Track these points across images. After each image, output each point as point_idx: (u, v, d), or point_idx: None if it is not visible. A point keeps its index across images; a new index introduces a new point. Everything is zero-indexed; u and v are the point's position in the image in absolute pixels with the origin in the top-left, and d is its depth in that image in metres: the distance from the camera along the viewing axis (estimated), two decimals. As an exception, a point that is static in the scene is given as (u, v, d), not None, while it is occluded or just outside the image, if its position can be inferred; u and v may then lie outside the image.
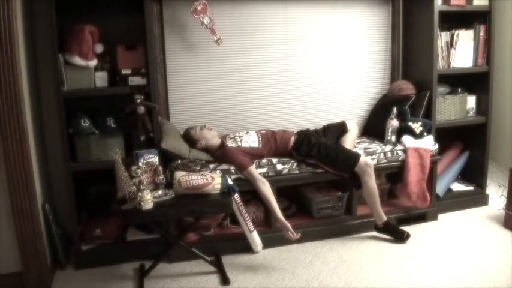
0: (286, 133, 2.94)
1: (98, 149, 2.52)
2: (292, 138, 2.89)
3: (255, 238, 2.68)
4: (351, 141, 2.96)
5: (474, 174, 3.41)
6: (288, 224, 2.58)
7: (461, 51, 3.14)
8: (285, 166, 2.78)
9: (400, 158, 2.97)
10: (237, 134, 2.90)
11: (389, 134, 3.03)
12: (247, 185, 2.66)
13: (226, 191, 2.40)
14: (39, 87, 2.68)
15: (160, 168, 2.41)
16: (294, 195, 3.05)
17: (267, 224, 2.84)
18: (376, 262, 2.61)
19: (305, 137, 2.88)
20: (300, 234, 2.59)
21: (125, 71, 2.52)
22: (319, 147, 2.79)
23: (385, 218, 2.85)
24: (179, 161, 2.57)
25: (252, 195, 2.83)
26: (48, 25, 2.34)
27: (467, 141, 3.45)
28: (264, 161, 2.77)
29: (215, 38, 2.79)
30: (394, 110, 3.02)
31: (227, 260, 2.66)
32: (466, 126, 3.30)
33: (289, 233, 2.57)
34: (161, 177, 2.40)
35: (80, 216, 2.68)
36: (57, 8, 2.32)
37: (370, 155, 2.89)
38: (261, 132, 2.92)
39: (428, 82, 3.08)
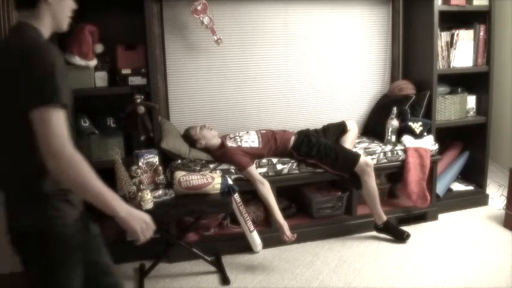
0: (286, 133, 2.94)
1: (98, 149, 2.52)
2: (292, 138, 2.89)
3: (255, 238, 2.68)
4: (351, 141, 2.96)
5: (474, 174, 3.41)
6: (286, 227, 2.57)
7: (461, 51, 3.13)
8: (285, 166, 2.78)
9: (400, 158, 2.97)
10: (237, 134, 2.90)
11: (389, 134, 3.03)
12: (247, 185, 2.66)
13: (226, 191, 2.40)
14: (39, 87, 2.68)
15: (160, 168, 2.41)
16: (294, 195, 3.05)
17: (267, 224, 2.84)
18: (376, 262, 2.61)
19: (305, 136, 2.88)
20: (295, 235, 2.58)
21: (125, 71, 2.52)
22: (319, 147, 2.79)
23: (385, 218, 2.85)
24: (179, 161, 2.57)
25: (252, 195, 2.83)
26: (48, 25, 2.33)
27: (467, 141, 3.44)
28: (264, 161, 2.77)
29: (215, 38, 2.79)
30: (394, 110, 3.02)
31: (227, 260, 2.66)
32: (466, 126, 3.29)
33: (285, 236, 2.56)
34: (161, 177, 2.40)
35: (80, 216, 2.67)
36: (57, 8, 2.32)
37: (370, 155, 2.89)
38: (261, 132, 2.92)
39: (428, 82, 3.07)
